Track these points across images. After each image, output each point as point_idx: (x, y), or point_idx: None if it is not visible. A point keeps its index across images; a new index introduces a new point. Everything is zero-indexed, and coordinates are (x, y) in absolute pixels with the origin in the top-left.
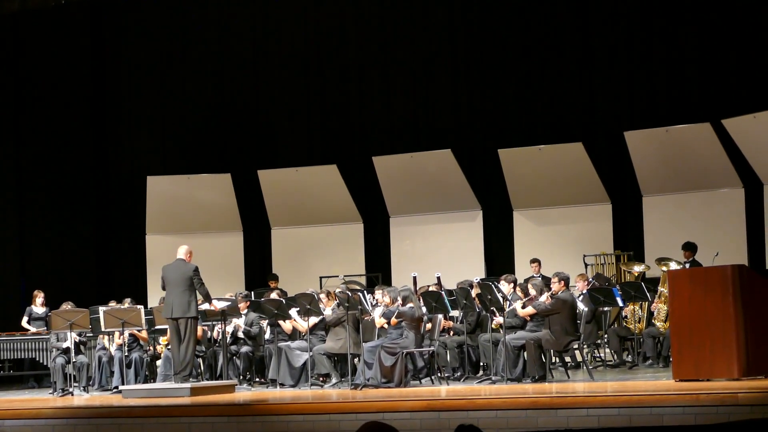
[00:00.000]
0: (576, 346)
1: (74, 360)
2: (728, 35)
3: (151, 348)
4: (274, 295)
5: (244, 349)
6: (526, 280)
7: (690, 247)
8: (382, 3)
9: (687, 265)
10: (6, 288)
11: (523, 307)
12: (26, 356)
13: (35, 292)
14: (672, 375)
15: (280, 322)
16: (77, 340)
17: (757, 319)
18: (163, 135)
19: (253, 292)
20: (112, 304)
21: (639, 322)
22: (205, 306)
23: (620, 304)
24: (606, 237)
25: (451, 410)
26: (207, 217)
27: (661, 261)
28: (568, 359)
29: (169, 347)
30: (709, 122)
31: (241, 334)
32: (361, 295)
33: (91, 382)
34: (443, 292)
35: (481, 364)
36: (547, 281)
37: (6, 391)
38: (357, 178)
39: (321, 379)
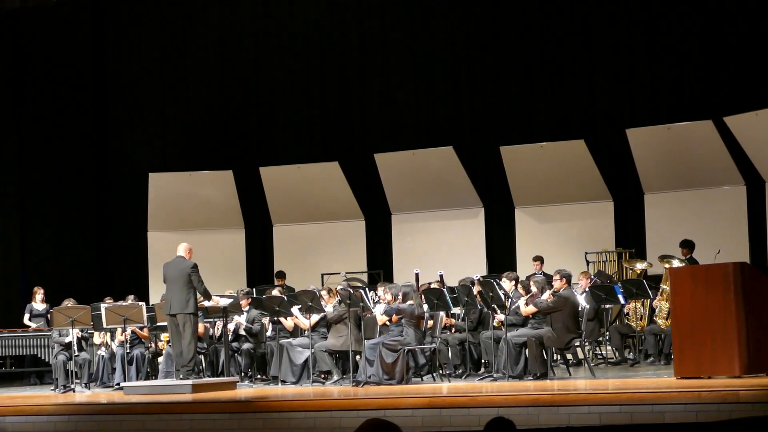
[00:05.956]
0: (578, 344)
1: (76, 356)
2: (730, 32)
3: (153, 345)
4: (275, 292)
5: (246, 346)
6: (528, 278)
7: (687, 245)
8: (383, 0)
9: (685, 263)
10: (7, 285)
11: (526, 304)
12: (27, 353)
13: (35, 289)
14: (673, 372)
15: (282, 319)
16: (80, 336)
17: (758, 316)
18: (165, 131)
19: (254, 289)
20: (109, 300)
21: (641, 320)
22: (207, 303)
23: (622, 301)
24: (608, 234)
25: (453, 407)
26: (209, 214)
27: (664, 258)
28: (569, 356)
29: (170, 344)
30: (711, 119)
31: (242, 331)
32: (362, 292)
33: (92, 379)
34: (445, 290)
35: (483, 361)
36: (548, 279)
37: (7, 387)
38: (359, 175)
39: (322, 376)
